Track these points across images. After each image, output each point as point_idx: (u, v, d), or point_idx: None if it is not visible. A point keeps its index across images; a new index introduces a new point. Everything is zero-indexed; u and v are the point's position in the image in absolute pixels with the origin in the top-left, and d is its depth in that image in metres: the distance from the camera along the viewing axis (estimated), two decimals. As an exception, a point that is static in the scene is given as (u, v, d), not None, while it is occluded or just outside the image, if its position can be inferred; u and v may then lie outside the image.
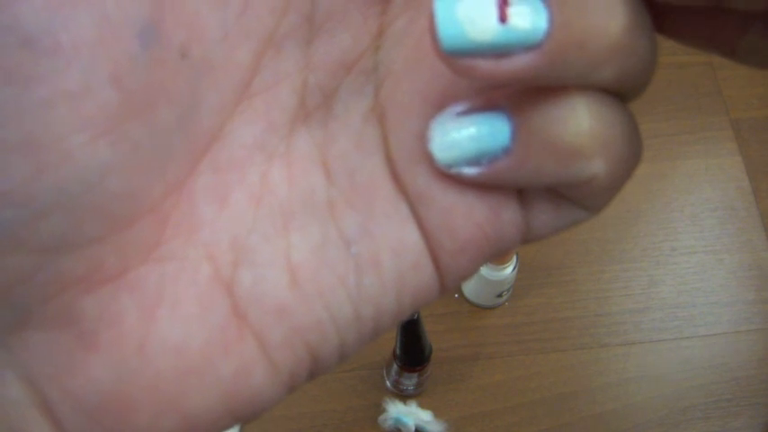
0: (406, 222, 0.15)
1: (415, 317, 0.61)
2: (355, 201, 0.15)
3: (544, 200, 0.15)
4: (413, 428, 0.68)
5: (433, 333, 0.66)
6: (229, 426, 0.15)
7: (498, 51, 0.13)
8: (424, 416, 0.69)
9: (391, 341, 0.66)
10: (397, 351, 0.65)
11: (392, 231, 0.15)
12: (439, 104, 0.15)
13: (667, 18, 0.15)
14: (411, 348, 0.64)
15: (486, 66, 0.13)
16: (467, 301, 0.74)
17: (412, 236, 0.15)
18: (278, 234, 0.15)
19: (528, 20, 0.13)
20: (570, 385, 0.72)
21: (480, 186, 0.15)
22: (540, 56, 0.13)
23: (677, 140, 0.84)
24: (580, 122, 0.14)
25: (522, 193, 0.15)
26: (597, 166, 0.14)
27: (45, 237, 0.13)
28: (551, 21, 0.13)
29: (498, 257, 0.15)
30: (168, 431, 0.14)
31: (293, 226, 0.15)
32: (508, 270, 0.69)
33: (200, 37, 0.14)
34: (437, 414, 0.69)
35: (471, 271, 0.16)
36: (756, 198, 0.81)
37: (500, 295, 0.72)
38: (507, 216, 0.15)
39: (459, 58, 0.13)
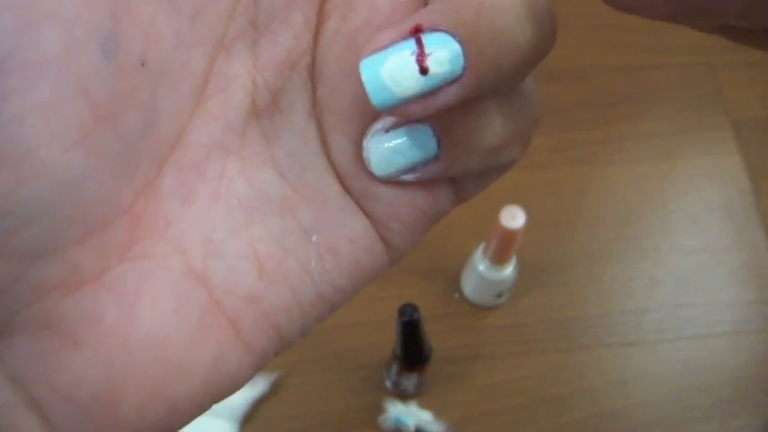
0: (357, 213, 0.17)
1: (415, 317, 0.61)
2: (308, 196, 0.17)
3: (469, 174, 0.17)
4: (413, 429, 0.68)
5: (433, 333, 0.66)
6: (208, 407, 0.16)
7: (425, 95, 0.15)
8: (424, 416, 0.69)
9: (391, 341, 0.66)
10: (397, 351, 0.65)
11: (345, 222, 0.17)
12: (374, 112, 0.16)
13: None
14: (411, 348, 0.64)
15: (416, 108, 0.15)
16: (467, 301, 0.74)
17: (363, 224, 0.17)
18: (241, 227, 0.16)
19: (446, 63, 0.14)
20: (570, 385, 0.72)
21: (418, 183, 0.17)
22: (461, 87, 0.14)
23: (677, 140, 0.84)
24: (496, 125, 0.16)
25: None
26: (515, 152, 0.17)
27: (24, 245, 0.13)
28: (467, 56, 0.14)
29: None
30: (154, 419, 0.15)
31: (254, 219, 0.16)
32: (508, 270, 0.69)
33: (157, 45, 0.15)
34: (437, 414, 0.69)
35: (416, 243, 0.18)
36: (756, 198, 0.81)
37: (500, 295, 0.72)
38: (442, 195, 0.17)
39: (391, 110, 0.15)
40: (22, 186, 0.13)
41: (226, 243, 0.16)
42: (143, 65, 0.14)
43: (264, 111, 0.16)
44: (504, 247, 0.66)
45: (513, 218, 0.62)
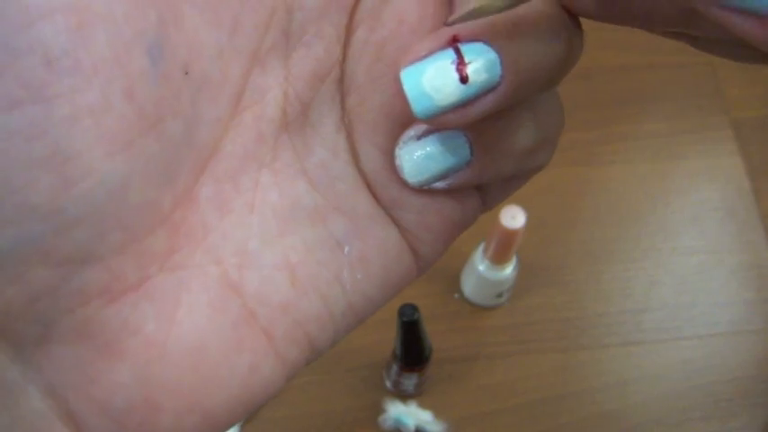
0: (387, 223, 0.17)
1: (415, 317, 0.60)
2: (340, 206, 0.17)
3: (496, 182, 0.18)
4: (413, 429, 0.68)
5: (433, 333, 0.66)
6: (241, 418, 0.16)
7: (464, 104, 0.15)
8: (424, 416, 0.69)
9: (391, 341, 0.66)
10: (397, 351, 0.65)
11: (376, 231, 0.17)
12: (402, 121, 0.16)
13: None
14: (411, 348, 0.64)
15: (455, 117, 0.15)
16: (467, 301, 0.74)
17: (393, 234, 0.17)
18: (275, 238, 0.16)
19: (483, 72, 0.15)
20: (570, 385, 0.72)
21: (448, 191, 0.17)
22: (498, 96, 0.15)
23: (677, 140, 0.84)
24: (528, 129, 0.16)
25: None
26: (544, 156, 0.17)
27: (70, 249, 0.13)
28: (504, 65, 0.15)
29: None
30: (191, 430, 0.15)
31: (288, 230, 0.16)
32: (508, 270, 0.69)
33: (199, 55, 0.15)
34: (437, 414, 0.69)
35: (443, 252, 0.18)
36: (756, 198, 0.81)
37: (500, 295, 0.72)
38: (470, 203, 0.17)
39: (431, 119, 0.15)
40: (72, 187, 0.13)
41: (260, 253, 0.16)
42: (186, 73, 0.14)
43: (295, 123, 0.16)
44: (504, 247, 0.66)
45: (513, 218, 0.62)
